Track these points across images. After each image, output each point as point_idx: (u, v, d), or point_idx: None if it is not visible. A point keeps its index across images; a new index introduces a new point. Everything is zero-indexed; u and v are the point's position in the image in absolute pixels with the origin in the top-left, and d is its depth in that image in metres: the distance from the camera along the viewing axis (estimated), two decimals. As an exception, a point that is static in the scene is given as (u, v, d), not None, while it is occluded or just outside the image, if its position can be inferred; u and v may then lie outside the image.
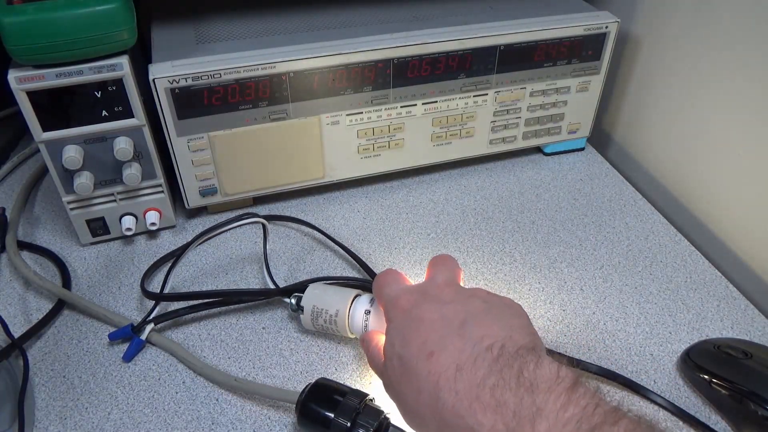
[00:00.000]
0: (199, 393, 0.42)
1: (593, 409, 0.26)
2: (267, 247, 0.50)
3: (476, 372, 0.30)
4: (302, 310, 0.43)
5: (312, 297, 0.44)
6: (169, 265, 0.47)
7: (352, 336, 0.43)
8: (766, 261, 0.50)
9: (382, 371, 0.36)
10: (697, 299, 0.49)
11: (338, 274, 0.51)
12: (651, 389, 0.41)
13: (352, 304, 0.42)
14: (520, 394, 0.28)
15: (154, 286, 0.49)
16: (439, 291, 0.36)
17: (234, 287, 0.50)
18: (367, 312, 0.42)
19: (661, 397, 0.41)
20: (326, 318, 0.43)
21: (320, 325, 0.43)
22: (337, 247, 0.53)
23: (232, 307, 0.47)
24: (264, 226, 0.49)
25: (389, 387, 0.35)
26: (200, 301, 0.46)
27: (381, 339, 0.38)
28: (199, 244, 0.48)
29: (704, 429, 0.39)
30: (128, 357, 0.43)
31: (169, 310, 0.46)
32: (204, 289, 0.49)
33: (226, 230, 0.46)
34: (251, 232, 0.55)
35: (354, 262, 0.51)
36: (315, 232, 0.54)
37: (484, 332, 0.32)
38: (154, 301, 0.46)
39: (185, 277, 0.50)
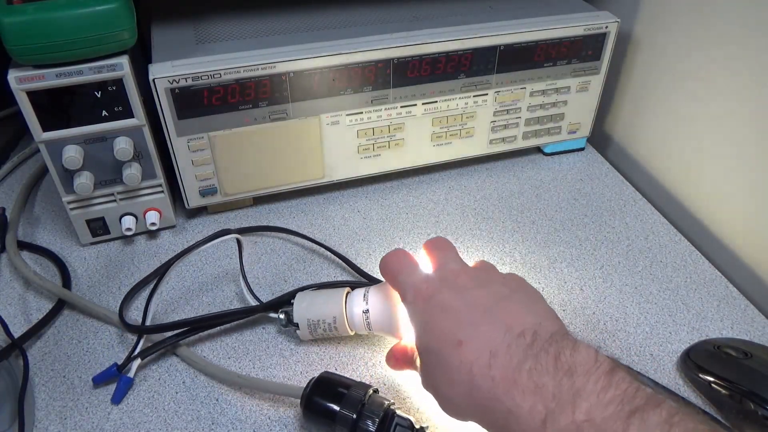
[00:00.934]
0: (199, 393, 0.42)
1: (634, 392, 0.27)
2: (244, 262, 0.47)
3: (511, 358, 0.30)
4: (298, 327, 0.43)
5: (303, 310, 0.43)
6: (149, 292, 0.44)
7: (352, 333, 0.43)
8: (766, 261, 0.50)
9: (417, 367, 0.36)
10: (697, 299, 0.49)
11: (327, 275, 0.50)
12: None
13: (346, 306, 0.42)
14: (559, 377, 0.28)
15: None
16: (456, 278, 0.35)
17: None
18: (366, 311, 0.41)
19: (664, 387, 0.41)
20: (325, 327, 0.42)
21: (320, 334, 0.43)
22: (322, 250, 0.52)
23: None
24: (238, 241, 0.47)
25: (424, 379, 0.35)
26: (185, 329, 0.44)
27: (404, 345, 0.39)
28: (175, 266, 0.44)
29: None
30: (118, 399, 0.41)
31: (156, 341, 0.44)
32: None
33: (201, 248, 0.44)
34: (234, 245, 0.52)
35: (341, 262, 0.51)
36: (300, 237, 0.54)
37: (513, 319, 0.32)
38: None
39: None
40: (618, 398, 0.26)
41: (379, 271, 0.40)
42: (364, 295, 0.42)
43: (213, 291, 0.49)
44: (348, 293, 0.43)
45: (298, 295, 0.44)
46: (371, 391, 0.37)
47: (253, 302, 0.46)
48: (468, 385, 0.30)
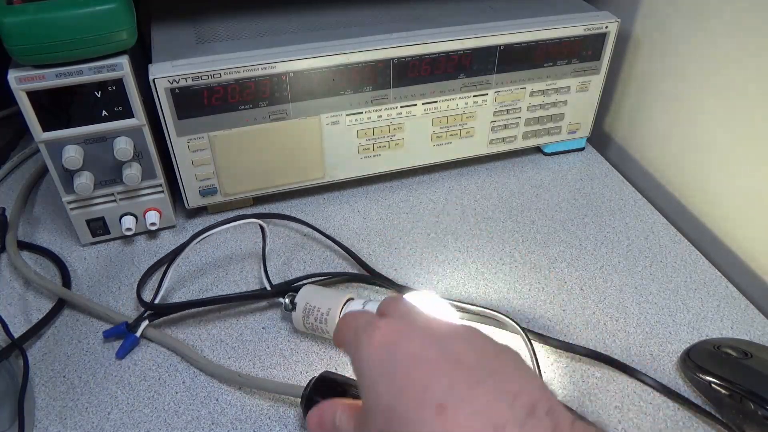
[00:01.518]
0: (199, 393, 0.42)
1: None
2: (254, 251, 0.50)
3: None
4: (295, 307, 0.44)
5: (305, 295, 0.44)
6: (163, 270, 0.48)
7: None
8: (766, 261, 0.50)
9: None
10: (697, 299, 0.49)
11: (332, 269, 0.51)
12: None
13: (344, 305, 0.43)
14: None
15: (152, 285, 0.49)
16: (427, 321, 0.27)
17: (231, 284, 0.50)
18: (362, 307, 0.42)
19: (661, 383, 0.41)
20: (317, 316, 0.43)
21: (310, 323, 0.43)
22: (330, 243, 0.53)
23: (231, 306, 0.47)
24: (262, 227, 0.50)
25: None
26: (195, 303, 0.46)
27: (339, 408, 0.28)
28: (195, 244, 0.48)
29: (703, 413, 0.39)
30: (122, 354, 0.44)
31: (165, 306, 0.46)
32: (199, 285, 0.49)
33: (221, 230, 0.48)
34: (247, 231, 0.55)
35: (347, 256, 0.52)
36: (305, 228, 0.55)
37: (513, 386, 0.23)
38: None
39: (182, 274, 0.50)
40: None
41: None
42: (364, 302, 0.43)
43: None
44: (350, 299, 0.44)
45: (309, 284, 0.46)
46: None
47: (267, 286, 0.47)
48: None
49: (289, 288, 0.46)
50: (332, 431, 0.28)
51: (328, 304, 0.43)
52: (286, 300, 0.45)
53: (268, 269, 0.50)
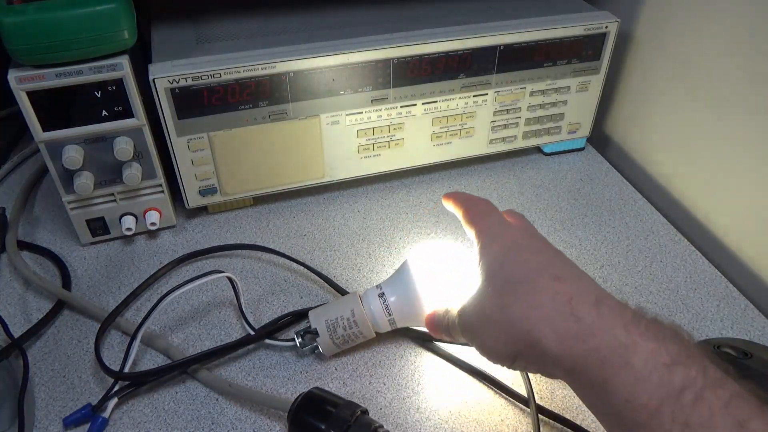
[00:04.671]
0: (198, 393, 0.42)
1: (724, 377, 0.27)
2: (241, 299, 0.45)
3: (623, 310, 0.28)
4: (317, 334, 0.41)
5: (318, 317, 0.42)
6: (132, 332, 0.42)
7: (374, 332, 0.42)
8: (766, 261, 0.50)
9: (464, 307, 0.34)
10: (697, 299, 0.49)
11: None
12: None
13: (361, 299, 0.41)
14: (682, 341, 0.27)
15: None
16: (545, 239, 0.35)
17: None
18: (381, 295, 0.41)
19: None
20: (345, 324, 0.41)
21: (340, 335, 0.41)
22: (302, 269, 0.50)
23: (227, 308, 0.48)
24: (232, 280, 0.44)
25: (480, 312, 0.32)
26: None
27: (448, 306, 0.37)
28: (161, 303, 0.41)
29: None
30: None
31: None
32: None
33: (189, 288, 0.41)
34: (223, 264, 0.51)
35: (320, 279, 0.49)
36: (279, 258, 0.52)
37: (600, 288, 0.31)
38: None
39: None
40: (720, 378, 0.26)
41: (442, 207, 0.43)
42: (377, 285, 0.42)
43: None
44: (360, 296, 0.42)
45: (312, 309, 0.43)
46: (359, 412, 0.36)
47: (251, 332, 0.44)
48: (561, 313, 0.28)
49: (276, 327, 0.44)
50: (442, 320, 0.37)
51: (348, 307, 0.41)
52: (298, 339, 0.42)
53: (250, 309, 0.47)
